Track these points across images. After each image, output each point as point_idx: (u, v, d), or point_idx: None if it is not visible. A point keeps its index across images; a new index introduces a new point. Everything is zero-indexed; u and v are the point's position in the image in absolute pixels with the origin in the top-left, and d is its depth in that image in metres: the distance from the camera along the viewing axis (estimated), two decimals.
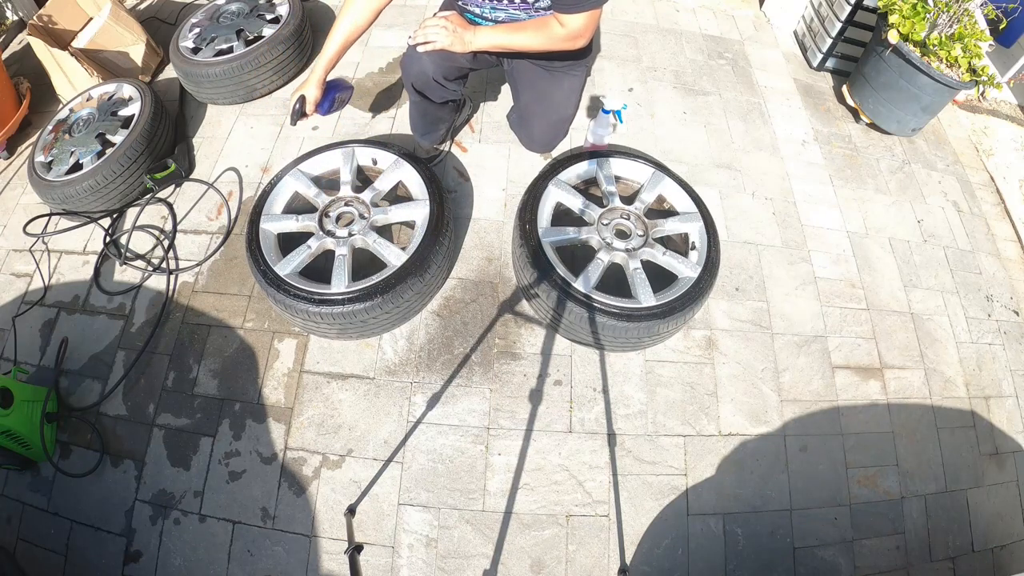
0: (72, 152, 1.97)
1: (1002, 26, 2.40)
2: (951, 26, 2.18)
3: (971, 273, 2.16)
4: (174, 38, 2.32)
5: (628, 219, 1.77)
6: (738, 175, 2.23)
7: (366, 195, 1.76)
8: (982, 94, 2.35)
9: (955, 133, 2.67)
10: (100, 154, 1.95)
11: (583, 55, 1.78)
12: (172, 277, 1.88)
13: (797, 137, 2.42)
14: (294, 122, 1.64)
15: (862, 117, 2.49)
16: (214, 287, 1.86)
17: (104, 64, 2.36)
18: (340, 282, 1.57)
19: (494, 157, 2.18)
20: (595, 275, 1.63)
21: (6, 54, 2.66)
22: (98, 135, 2.00)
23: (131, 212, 2.02)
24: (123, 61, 2.40)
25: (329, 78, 1.67)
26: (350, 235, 1.67)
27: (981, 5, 2.29)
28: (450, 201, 1.85)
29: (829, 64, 2.73)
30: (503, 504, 1.53)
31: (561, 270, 1.62)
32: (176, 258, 1.93)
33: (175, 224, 2.00)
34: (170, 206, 2.04)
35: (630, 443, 1.63)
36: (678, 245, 1.89)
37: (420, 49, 1.56)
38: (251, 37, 2.31)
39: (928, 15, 2.18)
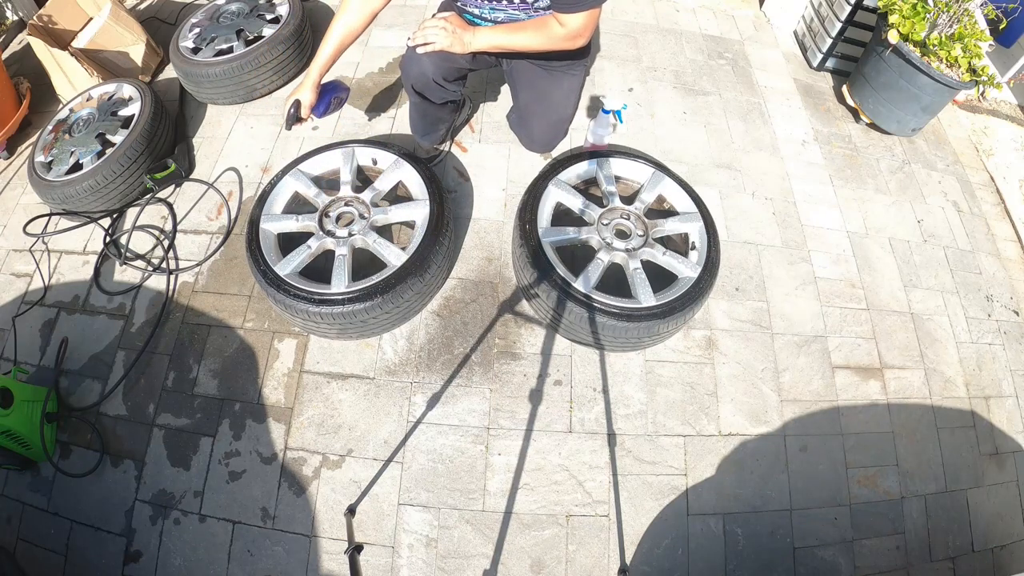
0: (72, 152, 1.97)
1: (1002, 26, 2.40)
2: (951, 26, 2.18)
3: (971, 273, 2.16)
4: (174, 38, 2.32)
5: (628, 219, 1.77)
6: (738, 175, 2.23)
7: (366, 195, 1.76)
8: (982, 94, 2.35)
9: (955, 133, 2.67)
10: (100, 154, 1.95)
11: (582, 55, 1.78)
12: (172, 277, 1.88)
13: (797, 137, 2.42)
14: (289, 127, 1.63)
15: (862, 117, 2.49)
16: (214, 287, 1.86)
17: (104, 64, 2.36)
18: (340, 282, 1.57)
19: (494, 157, 2.18)
20: (595, 275, 1.63)
21: (6, 54, 2.66)
22: (98, 135, 2.00)
23: (131, 212, 2.02)
24: (123, 61, 2.40)
25: (324, 80, 1.67)
26: (350, 235, 1.67)
27: (981, 5, 2.29)
28: (450, 201, 1.85)
29: (829, 64, 2.73)
30: (503, 504, 1.53)
31: (561, 270, 1.62)
32: (176, 258, 1.93)
33: (175, 224, 2.00)
34: (170, 206, 2.04)
35: (630, 443, 1.63)
36: (678, 245, 1.89)
37: (420, 50, 1.56)
38: (251, 37, 2.31)
39: (928, 15, 2.18)
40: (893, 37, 2.15)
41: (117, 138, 1.99)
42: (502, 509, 1.53)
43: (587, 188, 2.02)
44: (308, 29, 2.42)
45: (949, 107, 2.73)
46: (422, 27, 1.54)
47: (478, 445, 1.60)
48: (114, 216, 2.02)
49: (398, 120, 2.28)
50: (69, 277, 1.91)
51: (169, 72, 2.51)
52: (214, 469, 1.56)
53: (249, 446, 1.59)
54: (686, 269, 1.68)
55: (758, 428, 1.70)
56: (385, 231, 1.92)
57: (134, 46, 2.40)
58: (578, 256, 1.85)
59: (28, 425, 1.52)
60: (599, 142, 2.06)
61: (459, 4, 1.65)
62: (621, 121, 2.04)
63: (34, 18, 2.33)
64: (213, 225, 2.00)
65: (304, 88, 1.62)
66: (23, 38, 2.74)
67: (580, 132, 2.26)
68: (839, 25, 2.55)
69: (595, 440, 1.63)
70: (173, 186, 2.09)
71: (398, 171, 1.80)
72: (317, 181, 1.82)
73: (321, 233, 1.68)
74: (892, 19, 2.18)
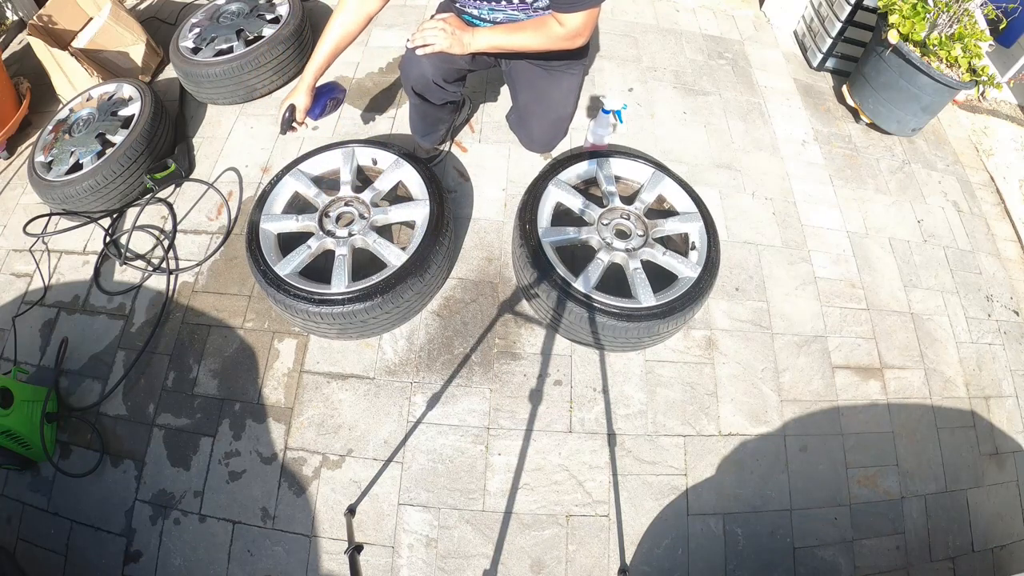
0: (72, 152, 1.97)
1: (1002, 26, 2.40)
2: (951, 26, 2.18)
3: (971, 273, 2.16)
4: (174, 38, 2.32)
5: (628, 219, 1.77)
6: (738, 175, 2.23)
7: (366, 195, 1.76)
8: (982, 94, 2.35)
9: (955, 133, 2.67)
10: (100, 154, 1.95)
11: (581, 54, 1.78)
12: (172, 277, 1.88)
13: (797, 137, 2.42)
14: (284, 132, 1.63)
15: (862, 117, 2.49)
16: (214, 287, 1.86)
17: (104, 64, 2.36)
18: (340, 282, 1.57)
19: (494, 157, 2.18)
20: (595, 275, 1.63)
21: (6, 54, 2.66)
22: (98, 135, 2.00)
23: (131, 212, 2.02)
24: (123, 61, 2.40)
25: (320, 83, 1.67)
26: (350, 235, 1.67)
27: (981, 5, 2.29)
28: (450, 201, 1.85)
29: (829, 64, 2.73)
30: (503, 504, 1.53)
31: (561, 270, 1.62)
32: (176, 258, 1.93)
33: (175, 224, 2.00)
34: (170, 206, 2.04)
35: (630, 443, 1.63)
36: (678, 245, 1.89)
37: (419, 52, 1.56)
38: (251, 37, 2.31)
39: (928, 15, 2.18)
40: (893, 37, 2.15)
41: (117, 138, 1.99)
42: (502, 509, 1.53)
43: (587, 188, 2.02)
44: (308, 29, 2.42)
45: (949, 107, 2.73)
46: (421, 29, 1.54)
47: (478, 445, 1.60)
48: (114, 216, 2.02)
49: (398, 120, 2.28)
50: (69, 277, 1.91)
51: (169, 72, 2.51)
52: (214, 469, 1.56)
53: (249, 446, 1.60)
54: (686, 269, 1.68)
55: (758, 428, 1.70)
56: (385, 231, 1.92)
57: (134, 46, 2.40)
58: (578, 256, 1.85)
59: (28, 425, 1.52)
60: (599, 142, 2.06)
61: (457, 5, 1.64)
62: (621, 121, 2.04)
63: (34, 18, 2.33)
64: (213, 225, 2.00)
65: (298, 92, 1.62)
66: (23, 38, 2.74)
67: (580, 132, 2.26)
68: (839, 25, 2.55)
69: (595, 440, 1.63)
70: (173, 186, 2.09)
71: (398, 171, 1.80)
72: (317, 181, 1.82)
73: (321, 233, 1.68)
74: (892, 19, 2.18)
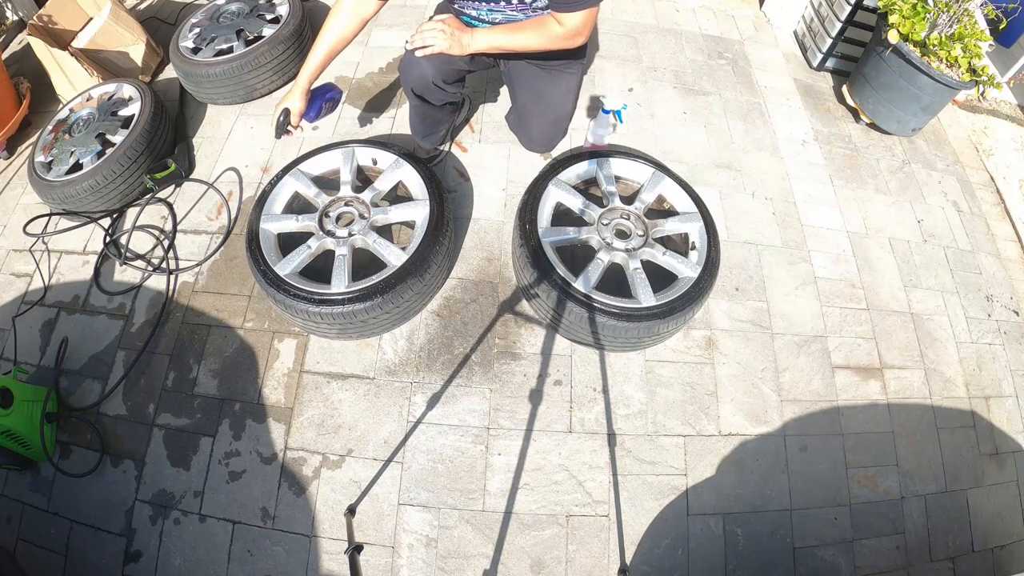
0: (72, 152, 1.97)
1: (1002, 26, 2.40)
2: (951, 26, 2.18)
3: (971, 273, 2.16)
4: (174, 38, 2.32)
5: (628, 219, 1.77)
6: (738, 175, 2.23)
7: (366, 195, 1.76)
8: (982, 94, 2.35)
9: (955, 133, 2.67)
10: (100, 154, 1.95)
11: (579, 54, 1.78)
12: (172, 277, 1.88)
13: (797, 137, 2.42)
14: (279, 136, 1.63)
15: (862, 117, 2.49)
16: (214, 287, 1.86)
17: (104, 64, 2.36)
18: (340, 282, 1.57)
19: (494, 157, 2.18)
20: (595, 275, 1.63)
21: (6, 54, 2.66)
22: (98, 135, 2.00)
23: (131, 212, 2.02)
24: (123, 61, 2.40)
25: (315, 85, 1.66)
26: (350, 235, 1.67)
27: (981, 5, 2.29)
28: (450, 201, 1.85)
29: (829, 64, 2.73)
30: (503, 504, 1.53)
31: (561, 270, 1.62)
32: (176, 258, 1.93)
33: (175, 224, 2.00)
34: (170, 206, 2.04)
35: (630, 443, 1.63)
36: (678, 245, 1.89)
37: (418, 54, 1.55)
38: (251, 37, 2.31)
39: (928, 15, 2.18)
40: (893, 37, 2.15)
41: (117, 138, 1.99)
42: (502, 509, 1.53)
43: (587, 188, 2.02)
44: (308, 29, 2.42)
45: (949, 107, 2.73)
46: (420, 30, 1.54)
47: (478, 445, 1.60)
48: (114, 216, 2.02)
49: (398, 120, 2.28)
50: (69, 277, 1.91)
51: (169, 72, 2.51)
52: (214, 469, 1.56)
53: (249, 446, 1.60)
54: (686, 269, 1.68)
55: (758, 428, 1.70)
56: (385, 231, 1.92)
57: (134, 46, 2.40)
58: (578, 256, 1.85)
59: (28, 425, 1.52)
60: (599, 142, 2.06)
61: (456, 6, 1.64)
62: (621, 121, 2.04)
63: (34, 18, 2.33)
64: (213, 225, 2.00)
65: (293, 96, 1.62)
66: (23, 38, 2.74)
67: (580, 132, 2.26)
68: (839, 25, 2.55)
69: (595, 440, 1.63)
70: (173, 186, 2.09)
71: (398, 171, 1.80)
72: (317, 181, 1.82)
73: (321, 233, 1.68)
74: (892, 19, 2.18)
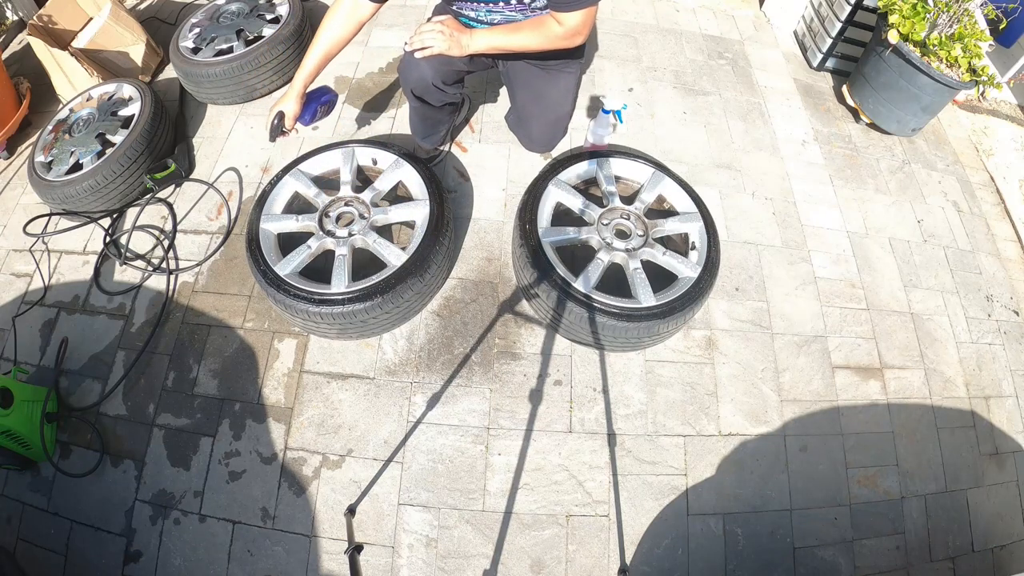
0: (72, 152, 1.97)
1: (1002, 26, 2.40)
2: (951, 26, 2.18)
3: (971, 273, 2.16)
4: (174, 38, 2.32)
5: (628, 219, 1.77)
6: (738, 175, 2.23)
7: (366, 195, 1.76)
8: (982, 94, 2.35)
9: (955, 133, 2.67)
10: (100, 154, 1.95)
11: (578, 53, 1.78)
12: (172, 277, 1.88)
13: (797, 137, 2.42)
14: (273, 139, 1.63)
15: (862, 117, 2.49)
16: (214, 287, 1.86)
17: (104, 64, 2.36)
18: (340, 282, 1.57)
19: (494, 157, 2.18)
20: (595, 275, 1.63)
21: (6, 54, 2.66)
22: (98, 135, 2.00)
23: (131, 212, 2.02)
24: (123, 61, 2.40)
25: (310, 88, 1.66)
26: (350, 235, 1.67)
27: (981, 5, 2.29)
28: (450, 201, 1.85)
29: (829, 64, 2.73)
30: (503, 504, 1.53)
31: (561, 270, 1.62)
32: (176, 258, 1.93)
33: (175, 224, 2.00)
34: (170, 206, 2.04)
35: (630, 443, 1.63)
36: (678, 245, 1.89)
37: (417, 55, 1.55)
38: (251, 37, 2.31)
39: (928, 15, 2.18)
40: (893, 37, 2.15)
41: (117, 138, 1.99)
42: (502, 509, 1.53)
43: (587, 188, 2.02)
44: (308, 29, 2.42)
45: (949, 107, 2.73)
46: (419, 32, 1.54)
47: (478, 445, 1.60)
48: (114, 216, 2.02)
49: (398, 120, 2.28)
50: (69, 277, 1.91)
51: (169, 72, 2.51)
52: (214, 469, 1.56)
53: (249, 446, 1.60)
54: (686, 269, 1.68)
55: (758, 428, 1.70)
56: (385, 231, 1.92)
57: (134, 46, 2.40)
58: (578, 256, 1.85)
59: (28, 425, 1.52)
60: (599, 142, 2.06)
61: (454, 8, 1.64)
62: (621, 121, 2.04)
63: (34, 18, 2.33)
64: (213, 225, 2.00)
65: (288, 99, 1.62)
66: (23, 38, 2.74)
67: (580, 132, 2.26)
68: (839, 25, 2.55)
69: (595, 440, 1.63)
70: (173, 186, 2.09)
71: (398, 171, 1.80)
72: (317, 181, 1.82)
73: (321, 233, 1.68)
74: (892, 19, 2.18)
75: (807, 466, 1.67)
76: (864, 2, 2.44)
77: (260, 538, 1.49)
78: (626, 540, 1.51)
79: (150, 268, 1.89)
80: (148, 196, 2.03)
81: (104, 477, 1.57)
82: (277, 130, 1.62)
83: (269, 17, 2.38)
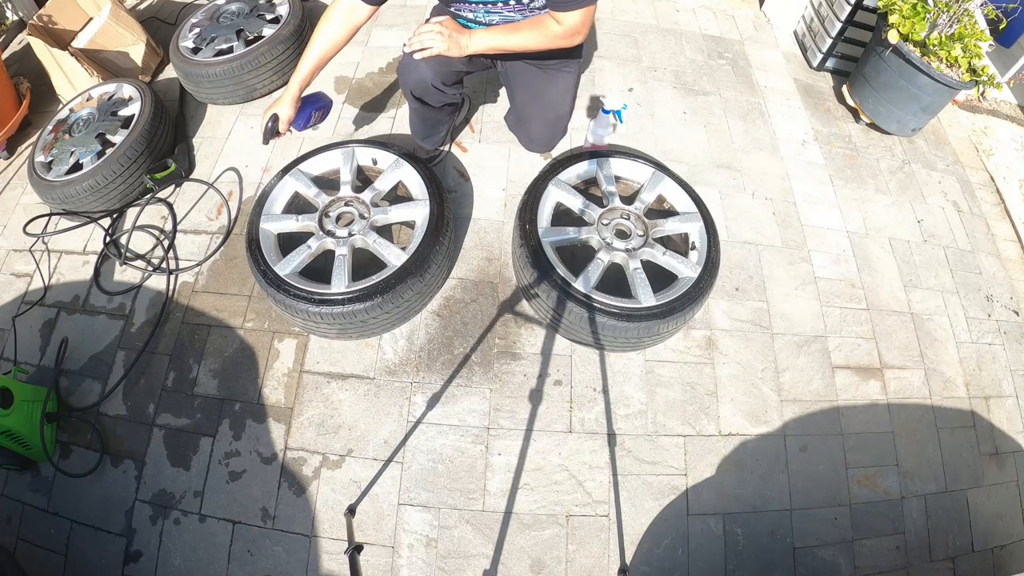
0: (72, 152, 1.97)
1: (1002, 26, 2.40)
2: (951, 26, 2.18)
3: (971, 273, 2.16)
4: (174, 38, 2.32)
5: (628, 219, 1.77)
6: (738, 175, 2.23)
7: (366, 195, 1.76)
8: (982, 94, 2.35)
9: (955, 133, 2.67)
10: (100, 154, 1.95)
11: (576, 52, 1.78)
12: (172, 277, 1.88)
13: (797, 137, 2.42)
14: (266, 141, 1.63)
15: (862, 117, 2.49)
16: (214, 287, 1.86)
17: (104, 64, 2.36)
18: (340, 282, 1.57)
19: (494, 157, 2.18)
20: (595, 275, 1.63)
21: (6, 54, 2.66)
22: (98, 135, 2.00)
23: (131, 212, 2.02)
24: (123, 61, 2.40)
25: (305, 93, 1.66)
26: (350, 235, 1.67)
27: (981, 5, 2.29)
28: (450, 201, 1.85)
29: (829, 64, 2.73)
30: (503, 504, 1.53)
31: (561, 270, 1.62)
32: (176, 258, 1.93)
33: (175, 224, 2.00)
34: (170, 206, 2.04)
35: (630, 443, 1.63)
36: (678, 245, 1.89)
37: (417, 56, 1.55)
38: (251, 37, 2.31)
39: (928, 15, 2.18)
40: (893, 37, 2.15)
41: (117, 138, 1.99)
42: (502, 509, 1.53)
43: (587, 188, 2.02)
44: (308, 29, 2.42)
45: (949, 107, 2.73)
46: (418, 33, 1.54)
47: (478, 445, 1.60)
48: (114, 216, 2.02)
49: (398, 120, 2.28)
50: (69, 277, 1.91)
51: (169, 72, 2.51)
52: (214, 469, 1.56)
53: (249, 446, 1.60)
54: (686, 269, 1.68)
55: (758, 428, 1.70)
56: (385, 231, 1.92)
57: (134, 46, 2.40)
58: (578, 256, 1.85)
59: (28, 425, 1.52)
60: (599, 142, 2.06)
61: (452, 9, 1.64)
62: (621, 121, 2.04)
63: (34, 18, 2.34)
64: (213, 225, 2.00)
65: (283, 102, 1.62)
66: (23, 38, 2.74)
67: (580, 132, 2.26)
68: (839, 25, 2.55)
69: (595, 440, 1.63)
70: (173, 186, 2.09)
71: (398, 171, 1.80)
72: (317, 181, 1.82)
73: (321, 233, 1.68)
74: (892, 19, 2.18)
75: (807, 466, 1.67)
76: (864, 2, 2.44)
77: (260, 538, 1.49)
78: (626, 540, 1.52)
79: (150, 268, 1.89)
80: (148, 196, 2.03)
81: (104, 477, 1.57)
82: (271, 133, 1.62)
83: (269, 17, 2.38)
